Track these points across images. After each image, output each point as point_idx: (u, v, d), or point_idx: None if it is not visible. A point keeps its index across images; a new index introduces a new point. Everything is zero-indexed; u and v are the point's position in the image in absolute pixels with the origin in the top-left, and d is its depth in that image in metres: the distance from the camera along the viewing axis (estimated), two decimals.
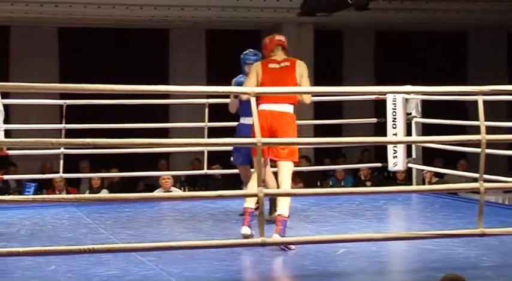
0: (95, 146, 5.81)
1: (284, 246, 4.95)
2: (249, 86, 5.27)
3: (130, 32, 12.13)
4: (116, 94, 6.42)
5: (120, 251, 4.53)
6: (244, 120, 5.93)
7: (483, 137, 4.08)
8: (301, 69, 5.45)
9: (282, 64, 5.48)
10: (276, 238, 4.92)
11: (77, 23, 11.61)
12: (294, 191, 5.49)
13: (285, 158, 5.29)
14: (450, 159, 9.92)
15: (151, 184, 9.85)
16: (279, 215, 5.18)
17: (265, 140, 4.03)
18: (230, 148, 6.27)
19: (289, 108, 5.36)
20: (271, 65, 5.47)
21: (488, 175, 5.63)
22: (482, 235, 4.49)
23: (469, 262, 4.74)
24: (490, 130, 4.67)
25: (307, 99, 5.46)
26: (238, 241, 4.95)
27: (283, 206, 5.17)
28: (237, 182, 9.98)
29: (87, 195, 8.22)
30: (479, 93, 4.22)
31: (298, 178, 9.99)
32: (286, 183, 5.25)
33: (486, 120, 4.35)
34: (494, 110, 6.46)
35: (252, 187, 5.19)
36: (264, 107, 5.25)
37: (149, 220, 6.29)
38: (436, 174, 9.24)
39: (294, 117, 5.40)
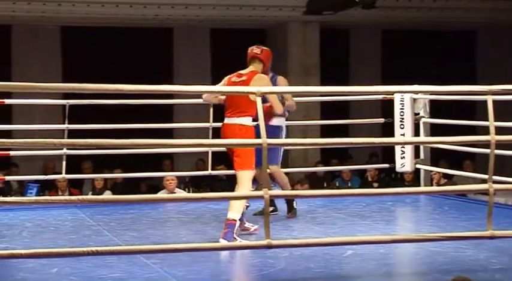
0: (98, 147, 5.82)
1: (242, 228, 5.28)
2: (206, 96, 5.48)
3: (134, 31, 12.14)
4: (119, 94, 6.42)
5: (124, 254, 4.53)
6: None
7: (492, 137, 4.07)
8: (258, 83, 5.32)
9: (241, 78, 5.47)
10: (222, 242, 5.02)
11: (80, 22, 11.62)
12: (300, 193, 5.49)
13: (238, 168, 5.35)
14: (455, 160, 9.90)
15: (155, 185, 9.85)
16: (226, 218, 5.22)
17: (270, 141, 4.03)
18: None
19: (240, 120, 5.34)
20: (233, 79, 5.50)
21: (497, 176, 5.63)
22: (492, 237, 4.48)
23: (478, 265, 4.73)
24: (499, 130, 4.66)
25: (278, 109, 5.63)
26: (244, 243, 4.95)
27: (233, 210, 5.22)
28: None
29: (90, 196, 8.22)
30: (488, 93, 4.21)
31: (304, 179, 9.99)
32: (241, 190, 5.30)
33: (495, 120, 4.34)
34: (504, 110, 6.44)
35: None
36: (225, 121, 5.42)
37: (153, 222, 6.29)
38: (445, 175, 9.22)
39: (243, 127, 5.33)
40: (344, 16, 11.66)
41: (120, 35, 12.15)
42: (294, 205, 6.30)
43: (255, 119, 5.28)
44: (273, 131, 5.84)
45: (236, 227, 5.22)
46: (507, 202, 8.72)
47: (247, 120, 5.36)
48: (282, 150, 6.30)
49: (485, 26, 13.25)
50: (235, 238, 5.19)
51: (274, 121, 6.05)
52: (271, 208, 6.16)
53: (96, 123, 7.45)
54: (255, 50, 5.72)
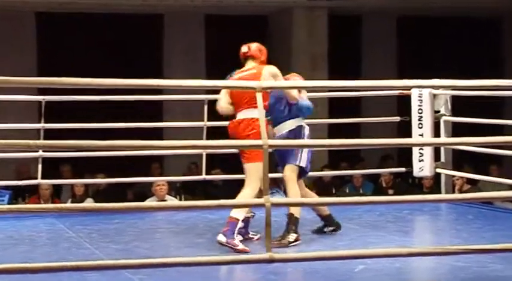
0: (78, 149, 5.82)
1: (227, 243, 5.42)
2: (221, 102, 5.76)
3: (119, 18, 12.14)
4: (102, 89, 6.42)
5: (107, 269, 4.53)
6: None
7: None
8: (269, 70, 5.73)
9: (244, 73, 5.76)
10: (221, 238, 5.43)
11: (58, 7, 11.63)
12: (305, 201, 5.49)
13: (245, 161, 5.71)
14: (481, 163, 9.91)
15: (143, 192, 9.86)
16: (229, 216, 5.50)
17: (272, 142, 4.04)
18: (231, 151, 6.27)
19: (246, 113, 5.64)
20: (237, 75, 5.79)
21: None
22: None
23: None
24: None
25: (292, 98, 5.82)
26: (242, 257, 4.95)
27: (238, 210, 5.49)
28: (239, 189, 10.01)
29: (69, 204, 8.23)
30: None
31: (309, 185, 10.00)
32: (251, 184, 5.68)
33: None
34: None
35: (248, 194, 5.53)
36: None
37: (140, 233, 6.29)
38: (469, 180, 9.23)
39: (251, 121, 5.60)
40: (355, 1, 11.68)
41: (103, 22, 12.15)
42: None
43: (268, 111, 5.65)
44: (294, 131, 5.92)
45: (238, 227, 5.49)
46: None
47: (255, 113, 5.50)
48: (308, 154, 5.98)
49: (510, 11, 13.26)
50: (234, 238, 5.45)
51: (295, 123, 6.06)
52: (330, 228, 6.12)
53: (76, 122, 7.46)
54: (242, 50, 5.94)
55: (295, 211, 5.77)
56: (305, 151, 5.93)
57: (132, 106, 8.32)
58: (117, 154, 7.31)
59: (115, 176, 8.28)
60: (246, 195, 5.58)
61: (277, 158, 5.99)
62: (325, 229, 6.11)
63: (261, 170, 5.26)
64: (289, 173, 5.89)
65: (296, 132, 5.94)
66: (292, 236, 5.72)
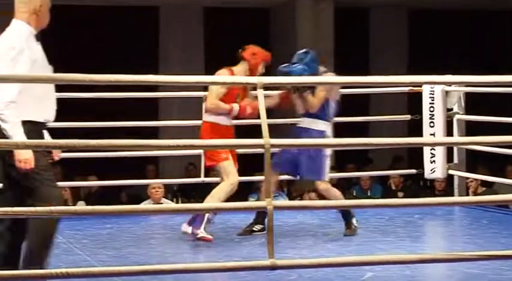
0: (69, 149, 5.81)
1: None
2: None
3: (113, 10, 12.16)
4: (94, 86, 6.43)
5: (100, 276, 4.52)
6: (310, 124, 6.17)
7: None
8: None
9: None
10: (185, 227, 5.99)
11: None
12: (310, 204, 5.50)
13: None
14: (496, 164, 9.91)
15: (137, 195, 9.87)
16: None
17: (274, 142, 4.04)
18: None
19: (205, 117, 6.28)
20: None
21: None
22: None
23: None
24: None
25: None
26: (242, 264, 4.95)
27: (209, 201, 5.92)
28: (240, 192, 10.02)
29: (59, 208, 8.22)
30: None
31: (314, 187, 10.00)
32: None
33: None
34: None
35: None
36: None
37: (134, 238, 6.29)
38: (483, 183, 9.23)
39: (207, 125, 6.24)
40: None
41: (96, 14, 12.17)
42: (354, 222, 6.28)
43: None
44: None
45: (205, 221, 6.01)
46: None
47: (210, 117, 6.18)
48: (326, 162, 6.24)
49: None
50: (202, 232, 5.97)
51: (320, 125, 6.23)
52: (259, 226, 6.29)
53: (66, 121, 7.45)
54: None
55: None
56: (327, 163, 6.20)
57: (125, 104, 8.31)
58: (110, 155, 7.31)
59: (108, 178, 8.29)
60: (224, 187, 6.04)
61: (294, 166, 6.12)
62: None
63: (231, 165, 6.06)
64: (324, 185, 6.17)
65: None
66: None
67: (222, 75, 6.03)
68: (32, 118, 4.51)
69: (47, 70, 4.62)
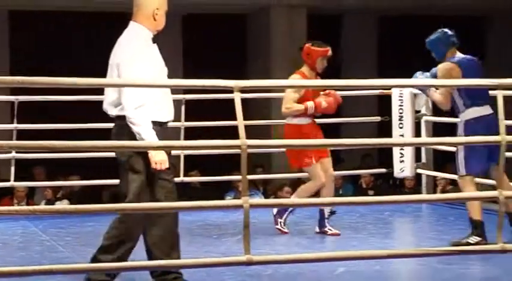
0: (52, 150, 5.79)
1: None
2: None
3: (95, 17, 12.10)
4: (78, 89, 6.40)
5: (82, 272, 4.50)
6: (469, 113, 5.76)
7: (503, 138, 4.09)
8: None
9: None
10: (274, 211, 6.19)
11: (31, 5, 11.57)
12: (284, 202, 5.50)
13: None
14: None
15: (119, 193, 9.81)
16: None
17: (250, 142, 4.03)
18: (210, 152, 6.26)
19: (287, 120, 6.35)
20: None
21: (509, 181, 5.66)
22: (503, 251, 4.49)
23: None
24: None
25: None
26: (220, 260, 4.94)
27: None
28: (217, 191, 10.02)
29: (43, 207, 8.17)
30: (498, 87, 4.23)
31: (287, 186, 10.01)
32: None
33: (507, 118, 4.37)
34: None
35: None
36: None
37: None
38: (451, 181, 9.26)
39: (289, 127, 6.30)
40: (335, 0, 11.69)
41: (79, 21, 12.10)
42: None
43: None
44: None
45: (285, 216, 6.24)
46: None
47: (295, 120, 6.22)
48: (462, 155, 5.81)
49: (494, 11, 13.33)
50: (281, 222, 6.24)
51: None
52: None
53: (50, 122, 7.42)
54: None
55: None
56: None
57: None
58: (92, 155, 7.28)
59: (90, 177, 8.24)
60: (308, 187, 6.23)
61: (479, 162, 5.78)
62: None
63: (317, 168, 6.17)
64: (463, 180, 5.86)
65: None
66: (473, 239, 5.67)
67: (294, 79, 6.17)
68: (156, 118, 4.48)
69: (164, 72, 4.61)
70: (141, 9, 4.57)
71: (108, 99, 4.53)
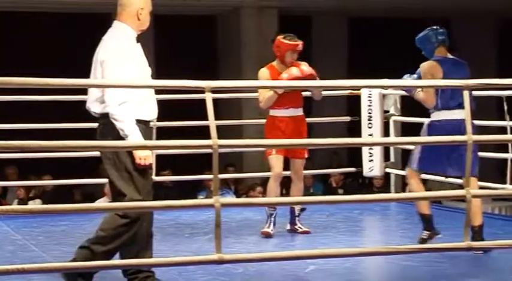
0: (23, 150, 5.75)
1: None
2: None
3: (68, 17, 12.03)
4: (49, 89, 6.37)
5: (55, 271, 4.48)
6: (436, 115, 5.64)
7: (469, 138, 4.13)
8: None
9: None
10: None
11: (9, 6, 11.48)
12: (254, 201, 5.51)
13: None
14: None
15: (91, 193, 9.79)
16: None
17: (221, 142, 4.03)
18: (181, 151, 6.25)
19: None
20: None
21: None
22: (469, 248, 4.53)
23: (453, 280, 4.79)
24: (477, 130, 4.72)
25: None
26: (191, 259, 4.94)
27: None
28: (189, 190, 10.01)
29: (15, 206, 8.12)
30: (465, 88, 4.27)
31: (258, 185, 10.03)
32: None
33: (474, 118, 4.41)
34: (483, 107, 6.55)
35: None
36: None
37: (88, 235, 6.19)
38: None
39: (267, 118, 6.25)
40: (305, 1, 11.71)
41: (53, 20, 12.03)
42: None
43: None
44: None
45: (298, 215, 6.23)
46: (486, 209, 8.86)
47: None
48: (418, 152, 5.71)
49: (461, 13, 13.43)
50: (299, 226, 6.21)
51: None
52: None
53: (21, 122, 7.36)
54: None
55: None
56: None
57: (78, 107, 8.22)
58: (64, 155, 7.24)
59: (62, 177, 8.19)
60: (270, 183, 6.16)
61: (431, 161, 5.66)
62: None
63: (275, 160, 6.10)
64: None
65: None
66: (424, 234, 5.66)
67: (262, 73, 6.11)
68: (140, 117, 4.46)
69: (148, 72, 4.60)
70: (125, 9, 4.55)
71: (92, 97, 4.51)
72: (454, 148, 5.40)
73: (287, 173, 6.37)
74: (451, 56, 5.82)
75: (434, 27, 5.89)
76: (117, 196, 4.49)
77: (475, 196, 4.44)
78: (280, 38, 6.21)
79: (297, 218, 6.26)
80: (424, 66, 5.71)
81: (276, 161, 6.13)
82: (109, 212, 4.61)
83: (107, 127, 4.42)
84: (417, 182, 5.78)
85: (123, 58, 4.42)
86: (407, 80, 5.73)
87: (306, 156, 6.28)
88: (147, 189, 4.53)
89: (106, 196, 8.40)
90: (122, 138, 4.37)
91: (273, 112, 6.18)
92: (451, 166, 5.62)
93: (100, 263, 4.30)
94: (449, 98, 5.56)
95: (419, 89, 5.69)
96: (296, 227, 6.23)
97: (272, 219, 6.15)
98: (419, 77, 5.73)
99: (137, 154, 4.41)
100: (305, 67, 6.08)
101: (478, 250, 5.10)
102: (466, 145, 5.19)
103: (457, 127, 5.32)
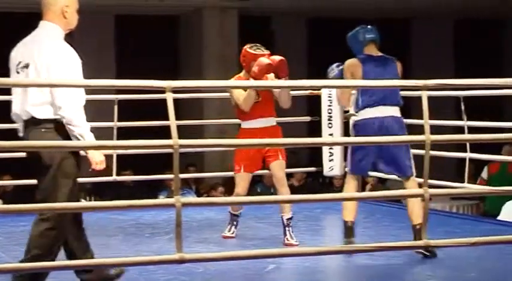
0: None
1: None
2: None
3: (30, 17, 11.90)
4: (9, 89, 6.30)
5: (14, 272, 4.44)
6: (359, 114, 5.60)
7: (428, 138, 4.15)
8: None
9: None
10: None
11: None
12: (215, 200, 5.51)
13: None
14: None
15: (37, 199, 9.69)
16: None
17: (182, 142, 4.02)
18: (143, 151, 6.22)
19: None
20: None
21: (433, 179, 5.76)
22: (427, 247, 4.59)
23: (412, 278, 4.83)
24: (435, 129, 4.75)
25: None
26: (153, 258, 4.91)
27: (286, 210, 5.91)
28: (151, 189, 9.96)
29: None
30: (423, 88, 4.29)
31: (219, 185, 10.02)
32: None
33: (431, 118, 4.44)
34: (440, 107, 6.60)
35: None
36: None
37: None
38: (380, 180, 9.37)
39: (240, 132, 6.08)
40: (265, 2, 11.71)
41: (19, 20, 11.89)
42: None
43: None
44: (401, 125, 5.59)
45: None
46: (444, 208, 8.95)
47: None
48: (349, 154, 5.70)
49: (421, 14, 13.53)
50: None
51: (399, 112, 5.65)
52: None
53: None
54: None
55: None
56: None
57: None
58: (24, 155, 7.15)
59: (22, 177, 8.10)
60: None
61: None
62: None
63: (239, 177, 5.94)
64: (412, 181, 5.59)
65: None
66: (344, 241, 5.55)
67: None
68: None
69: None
70: (50, 8, 4.41)
71: (31, 101, 4.30)
72: (382, 146, 5.38)
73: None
74: (378, 54, 5.69)
75: (364, 26, 5.81)
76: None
77: (432, 195, 4.47)
78: (246, 48, 6.05)
79: (286, 229, 5.90)
80: (345, 64, 5.68)
81: (239, 180, 5.97)
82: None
83: (50, 133, 4.25)
84: (352, 186, 5.66)
85: (69, 59, 4.31)
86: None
87: (281, 158, 5.97)
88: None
89: None
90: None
91: (244, 124, 6.01)
92: (384, 165, 5.57)
93: (55, 263, 4.26)
94: (370, 96, 5.54)
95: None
96: (285, 238, 5.88)
97: (234, 223, 6.12)
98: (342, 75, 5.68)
99: (94, 158, 4.33)
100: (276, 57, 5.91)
101: (419, 249, 5.05)
102: (394, 143, 5.29)
103: (381, 124, 5.39)
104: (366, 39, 5.69)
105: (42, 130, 4.28)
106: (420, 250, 5.16)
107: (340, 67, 5.74)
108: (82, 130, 4.25)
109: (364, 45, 5.67)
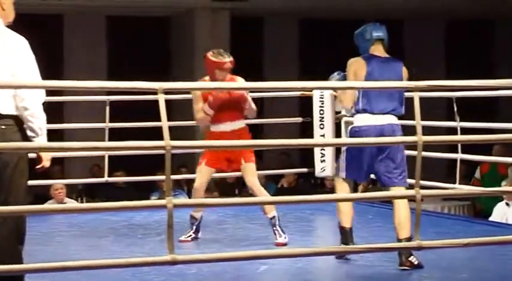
0: None
1: None
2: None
3: (17, 17, 11.88)
4: None
5: (5, 273, 4.41)
6: (356, 119, 5.43)
7: (420, 138, 4.16)
8: None
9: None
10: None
11: None
12: (207, 201, 5.50)
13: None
14: None
15: (43, 194, 9.67)
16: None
17: (174, 143, 4.01)
18: (134, 152, 6.21)
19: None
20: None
21: (425, 181, 5.77)
22: (419, 248, 4.57)
23: (404, 279, 4.83)
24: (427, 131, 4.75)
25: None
26: (145, 260, 4.91)
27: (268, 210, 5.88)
28: (142, 191, 9.95)
29: None
30: (415, 89, 4.30)
31: (213, 186, 10.02)
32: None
33: (422, 119, 4.44)
34: (433, 107, 6.62)
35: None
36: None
37: (40, 236, 6.18)
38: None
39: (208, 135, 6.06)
40: (257, 3, 11.71)
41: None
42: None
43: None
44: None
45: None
46: (435, 209, 8.96)
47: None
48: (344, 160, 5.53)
49: (413, 15, 13.56)
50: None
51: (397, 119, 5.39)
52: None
53: None
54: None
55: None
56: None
57: None
58: None
59: None
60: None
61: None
62: None
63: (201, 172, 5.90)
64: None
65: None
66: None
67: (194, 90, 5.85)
68: None
69: None
70: None
71: None
72: (373, 156, 5.23)
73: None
74: (384, 55, 5.45)
75: (372, 24, 5.56)
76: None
77: (424, 196, 4.48)
78: (209, 54, 5.95)
79: (274, 229, 5.87)
80: (348, 63, 5.47)
81: (199, 173, 5.98)
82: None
83: (11, 129, 4.15)
84: (344, 188, 5.52)
85: (27, 51, 4.29)
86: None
87: (244, 162, 5.91)
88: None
89: (54, 198, 8.35)
90: (26, 139, 4.14)
91: (212, 127, 5.97)
92: (375, 173, 5.42)
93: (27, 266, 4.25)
94: (374, 102, 5.30)
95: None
96: (275, 237, 5.86)
97: (194, 227, 6.03)
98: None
99: (47, 156, 4.30)
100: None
101: (412, 249, 4.90)
102: (387, 154, 5.20)
103: (381, 133, 5.17)
104: (373, 38, 5.44)
105: (3, 127, 4.16)
106: (405, 267, 5.00)
107: (342, 74, 5.61)
108: (42, 123, 4.20)
109: (371, 43, 5.44)
